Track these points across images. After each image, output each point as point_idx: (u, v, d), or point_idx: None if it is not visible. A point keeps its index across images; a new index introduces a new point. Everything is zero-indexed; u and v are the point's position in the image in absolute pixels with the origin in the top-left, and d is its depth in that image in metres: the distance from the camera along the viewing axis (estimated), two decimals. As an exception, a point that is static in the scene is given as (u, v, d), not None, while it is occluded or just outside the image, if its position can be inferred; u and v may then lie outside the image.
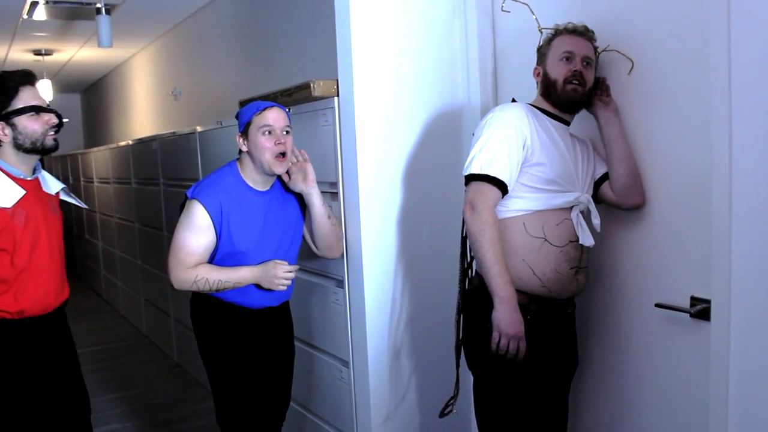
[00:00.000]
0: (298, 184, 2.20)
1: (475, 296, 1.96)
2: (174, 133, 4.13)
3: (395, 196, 2.34)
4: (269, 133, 2.11)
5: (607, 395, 2.13)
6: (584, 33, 1.91)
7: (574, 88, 1.88)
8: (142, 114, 7.00)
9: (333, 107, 2.34)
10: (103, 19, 4.20)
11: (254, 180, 2.18)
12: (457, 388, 2.12)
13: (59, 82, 8.31)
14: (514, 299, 1.80)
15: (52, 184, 2.27)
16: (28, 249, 2.09)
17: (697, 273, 1.81)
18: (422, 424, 2.44)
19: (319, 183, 2.24)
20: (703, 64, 1.71)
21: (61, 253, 2.24)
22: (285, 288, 2.17)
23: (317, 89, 2.32)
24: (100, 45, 4.24)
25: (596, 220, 1.94)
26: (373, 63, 2.25)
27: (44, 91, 6.83)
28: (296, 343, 2.48)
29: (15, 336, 2.09)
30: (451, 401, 2.12)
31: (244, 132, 2.15)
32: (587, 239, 1.90)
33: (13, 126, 2.08)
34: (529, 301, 1.87)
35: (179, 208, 2.20)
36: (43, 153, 2.15)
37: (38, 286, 2.12)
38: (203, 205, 2.10)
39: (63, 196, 2.34)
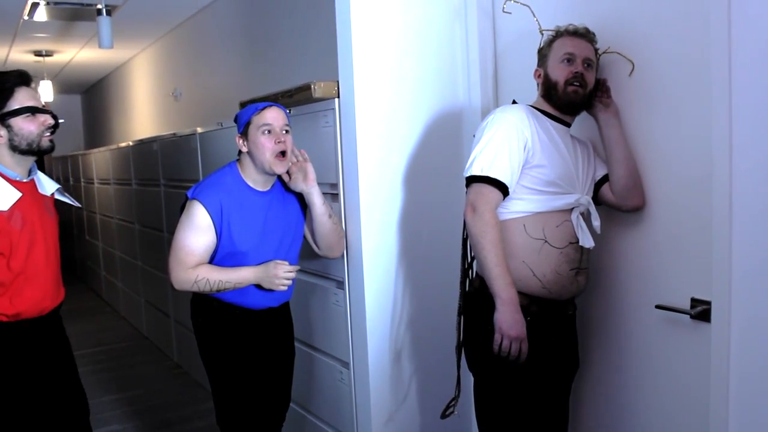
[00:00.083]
0: (298, 184, 2.20)
1: (475, 298, 1.96)
2: (174, 134, 4.13)
3: (396, 198, 2.34)
4: (269, 132, 2.11)
5: (608, 396, 2.13)
6: (585, 35, 1.92)
7: (575, 89, 1.88)
8: (143, 115, 7.00)
9: (333, 108, 2.34)
10: (104, 20, 4.20)
11: (254, 180, 2.18)
12: (458, 389, 2.12)
13: (60, 83, 8.31)
14: (516, 301, 1.80)
15: (47, 185, 2.24)
16: (24, 252, 2.08)
17: (697, 274, 1.81)
18: (423, 425, 2.44)
19: (319, 184, 2.24)
20: (704, 66, 1.71)
21: (56, 255, 2.23)
22: (286, 288, 2.17)
23: (318, 90, 2.32)
24: (100, 46, 4.24)
25: (596, 222, 1.95)
26: (374, 64, 2.26)
27: (45, 92, 6.84)
28: (296, 344, 2.48)
29: (11, 338, 2.08)
30: (453, 402, 2.12)
31: (244, 132, 2.15)
32: (587, 241, 1.90)
33: (8, 127, 2.06)
34: (529, 303, 1.87)
35: (180, 208, 2.20)
36: (39, 154, 2.13)
37: (35, 289, 2.11)
38: (204, 206, 2.10)
39: (58, 196, 2.32)
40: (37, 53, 6.47)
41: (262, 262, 2.17)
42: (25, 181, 2.14)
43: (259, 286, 2.17)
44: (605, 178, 2.00)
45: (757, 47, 1.56)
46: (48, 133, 2.12)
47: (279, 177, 2.23)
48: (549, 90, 1.93)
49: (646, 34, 1.91)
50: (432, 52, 2.37)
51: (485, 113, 2.22)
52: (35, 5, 4.63)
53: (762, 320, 1.60)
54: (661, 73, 1.88)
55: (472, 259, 2.04)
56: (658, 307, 1.90)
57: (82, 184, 7.22)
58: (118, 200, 5.73)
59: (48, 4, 4.62)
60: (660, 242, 1.93)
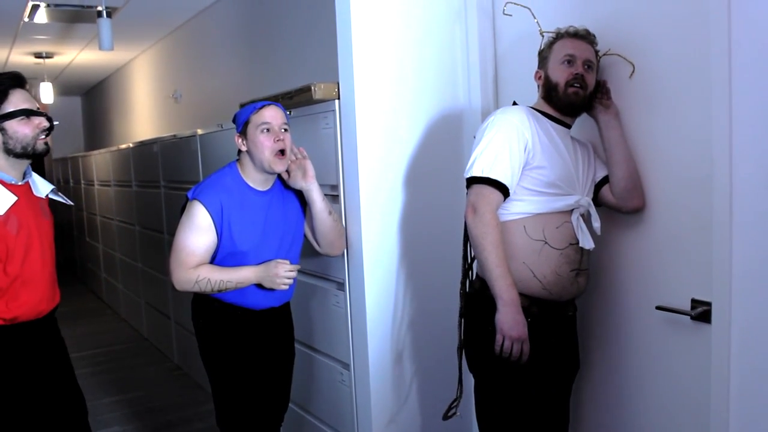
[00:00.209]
0: (297, 181, 2.21)
1: (476, 299, 1.96)
2: (175, 135, 4.13)
3: (396, 199, 2.34)
4: (268, 130, 2.11)
5: (608, 397, 2.13)
6: (585, 36, 1.92)
7: (576, 91, 1.88)
8: (143, 117, 7.00)
9: (334, 110, 2.34)
10: (104, 22, 4.20)
11: (254, 180, 2.18)
12: (460, 390, 2.12)
13: (60, 84, 8.32)
14: (518, 302, 1.80)
15: (41, 187, 2.21)
16: (21, 256, 2.06)
17: (697, 275, 1.81)
18: (424, 426, 2.44)
19: (319, 186, 2.24)
20: (704, 68, 1.72)
21: (52, 258, 2.21)
22: (287, 287, 2.17)
23: (318, 92, 2.32)
24: (101, 48, 4.24)
25: (596, 223, 1.95)
26: (374, 66, 2.26)
27: (45, 93, 6.85)
28: (297, 345, 2.48)
29: (8, 341, 2.07)
30: (455, 404, 2.12)
31: (243, 132, 2.16)
32: (587, 242, 1.90)
33: (2, 130, 2.04)
34: (529, 304, 1.87)
35: (180, 209, 2.20)
36: (34, 158, 2.11)
37: (31, 293, 2.09)
38: (204, 206, 2.10)
39: (52, 196, 2.29)
40: (38, 55, 6.48)
41: (263, 262, 2.17)
42: (20, 184, 2.12)
43: (260, 286, 2.17)
44: (605, 180, 2.00)
45: (757, 48, 1.56)
46: (43, 136, 2.10)
47: (279, 176, 2.23)
48: (549, 91, 1.93)
49: (647, 36, 1.91)
50: (432, 53, 2.38)
51: (485, 115, 2.23)
52: (36, 7, 4.64)
53: (762, 321, 1.60)
54: (662, 75, 1.88)
55: (473, 260, 2.04)
56: (658, 308, 1.90)
57: (83, 185, 7.23)
58: (118, 202, 5.73)
59: (48, 6, 4.63)
60: (660, 243, 1.93)
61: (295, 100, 2.44)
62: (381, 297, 2.33)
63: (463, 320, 2.04)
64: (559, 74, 1.90)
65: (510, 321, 1.78)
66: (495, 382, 1.91)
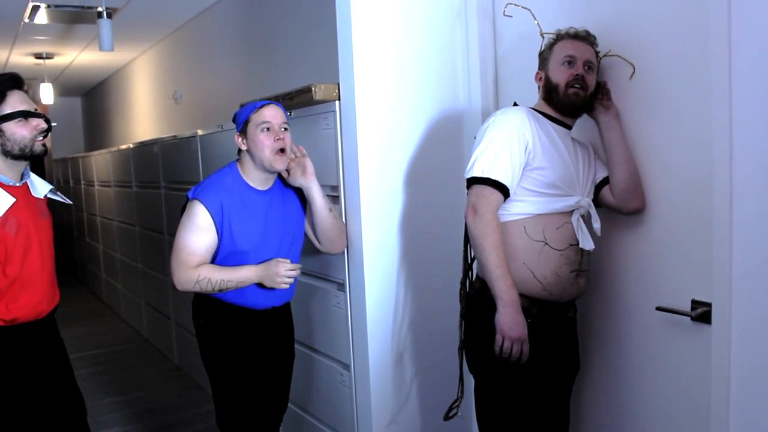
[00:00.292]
0: (297, 179, 2.21)
1: (476, 299, 1.96)
2: (175, 136, 4.14)
3: (396, 200, 2.34)
4: (268, 129, 2.11)
5: (609, 398, 2.13)
6: (586, 37, 1.92)
7: (576, 92, 1.88)
8: (143, 117, 7.01)
9: (334, 111, 2.34)
10: (105, 22, 4.20)
11: (255, 179, 2.19)
12: (461, 390, 2.12)
13: (60, 85, 8.32)
14: (518, 302, 1.80)
15: (40, 188, 2.21)
16: (20, 258, 2.05)
17: (697, 276, 1.81)
18: (424, 427, 2.44)
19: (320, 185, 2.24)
20: (704, 69, 1.72)
21: (52, 258, 2.21)
22: (287, 286, 2.17)
23: (318, 93, 2.32)
24: (101, 49, 4.24)
25: (597, 224, 1.95)
26: (375, 67, 2.26)
27: (45, 94, 6.86)
28: (297, 346, 2.48)
29: (8, 342, 2.07)
30: (456, 404, 2.12)
31: (243, 131, 2.16)
32: (587, 243, 1.90)
33: (0, 132, 2.03)
34: (530, 305, 1.87)
35: (181, 210, 2.20)
36: (32, 159, 2.10)
37: (31, 294, 2.09)
38: (204, 205, 2.10)
39: (50, 196, 2.28)
40: (38, 56, 6.48)
41: (263, 261, 2.17)
42: (18, 185, 2.11)
43: (261, 286, 2.17)
44: (606, 181, 2.00)
45: (757, 49, 1.56)
46: (41, 137, 2.09)
47: (278, 175, 2.23)
48: (550, 92, 1.93)
49: (647, 37, 1.91)
50: (433, 54, 2.38)
51: (486, 116, 2.23)
52: (36, 8, 4.64)
53: (762, 322, 1.61)
54: (662, 76, 1.88)
55: (473, 260, 2.04)
56: (658, 308, 1.91)
57: (83, 186, 7.23)
58: (118, 202, 5.73)
59: (48, 6, 4.63)
60: (660, 244, 1.93)
61: (296, 100, 2.45)
62: (381, 297, 2.33)
63: (463, 321, 2.04)
64: (560, 75, 1.90)
65: (510, 321, 1.78)
66: (495, 382, 1.92)
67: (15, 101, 2.05)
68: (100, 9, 4.20)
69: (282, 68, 3.96)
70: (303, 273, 2.55)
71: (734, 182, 1.62)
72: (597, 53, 1.94)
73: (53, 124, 2.17)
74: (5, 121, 2.03)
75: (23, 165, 2.13)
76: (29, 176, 2.19)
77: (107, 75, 8.10)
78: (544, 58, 1.96)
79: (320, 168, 2.29)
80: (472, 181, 1.88)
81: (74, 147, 9.44)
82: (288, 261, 2.16)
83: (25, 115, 2.05)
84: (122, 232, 5.68)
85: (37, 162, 2.18)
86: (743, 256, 1.62)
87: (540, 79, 1.97)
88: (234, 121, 2.22)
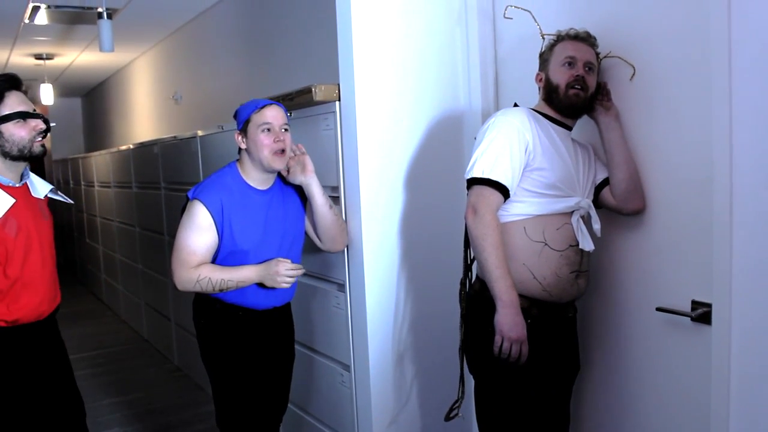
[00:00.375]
0: (297, 176, 2.21)
1: (476, 300, 1.96)
2: (175, 137, 4.14)
3: (397, 200, 2.34)
4: (268, 130, 2.12)
5: (609, 399, 2.13)
6: (586, 39, 1.92)
7: (577, 93, 1.88)
8: (143, 118, 7.01)
9: (334, 112, 2.34)
10: (105, 23, 4.21)
11: (254, 179, 2.19)
12: (461, 391, 2.12)
13: (60, 86, 8.32)
14: (517, 303, 1.80)
15: (40, 188, 2.20)
16: (20, 259, 2.05)
17: (697, 277, 1.81)
18: (425, 428, 2.44)
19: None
20: (704, 70, 1.72)
21: (53, 259, 2.21)
22: (288, 286, 2.17)
23: (318, 94, 2.32)
24: (101, 49, 4.24)
25: (597, 225, 1.95)
26: (375, 67, 2.26)
27: (45, 95, 6.85)
28: (297, 346, 2.48)
29: (9, 343, 2.07)
30: (456, 405, 2.12)
31: (243, 130, 2.16)
32: (587, 244, 1.90)
33: None
34: (529, 305, 1.87)
35: (181, 210, 2.20)
36: (30, 160, 2.10)
37: (32, 295, 2.09)
38: (204, 205, 2.10)
39: (51, 195, 2.28)
40: (38, 56, 6.48)
41: (264, 261, 2.17)
42: (17, 186, 2.11)
43: (261, 286, 2.17)
44: (606, 182, 2.00)
45: (757, 50, 1.56)
46: (39, 138, 2.09)
47: (278, 174, 2.23)
48: (550, 93, 1.93)
49: (647, 38, 1.91)
50: (433, 55, 2.38)
51: (486, 116, 2.23)
52: (36, 8, 4.64)
53: (762, 322, 1.61)
54: (662, 77, 1.89)
55: (473, 261, 2.04)
56: (658, 309, 1.91)
57: (83, 186, 7.23)
58: (118, 203, 5.74)
59: (49, 7, 4.63)
60: (660, 245, 1.93)
61: (296, 101, 2.45)
62: (382, 298, 2.33)
63: (464, 321, 2.04)
64: (560, 76, 1.90)
65: (509, 322, 1.78)
66: (495, 383, 1.92)
67: (13, 102, 2.05)
68: (100, 10, 4.21)
69: (282, 69, 3.96)
70: (303, 273, 2.55)
71: (734, 183, 1.62)
72: (597, 54, 1.95)
73: (52, 124, 2.17)
74: (4, 122, 2.03)
75: (22, 166, 2.13)
76: (29, 177, 2.18)
77: (107, 76, 8.10)
78: (544, 59, 1.97)
79: (320, 169, 2.29)
80: (473, 182, 1.88)
81: (74, 148, 9.43)
82: (288, 261, 2.16)
83: (23, 116, 2.05)
84: (122, 232, 5.69)
85: (37, 162, 2.18)
86: (743, 256, 1.62)
87: (540, 80, 1.98)
88: (235, 118, 2.22)
